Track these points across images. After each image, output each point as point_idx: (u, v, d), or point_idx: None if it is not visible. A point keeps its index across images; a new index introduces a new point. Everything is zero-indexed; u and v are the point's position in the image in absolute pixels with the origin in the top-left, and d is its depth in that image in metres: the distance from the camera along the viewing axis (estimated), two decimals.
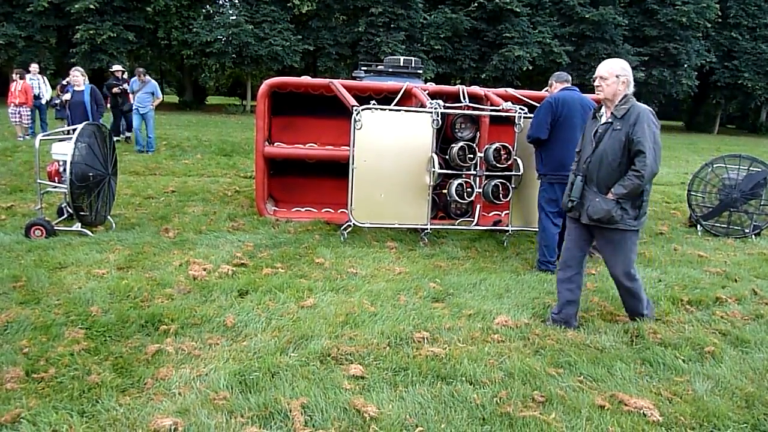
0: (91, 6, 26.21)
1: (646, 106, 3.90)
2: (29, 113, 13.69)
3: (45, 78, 14.91)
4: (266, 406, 2.95)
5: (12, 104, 13.43)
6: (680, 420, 3.06)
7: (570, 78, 5.99)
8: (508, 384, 3.33)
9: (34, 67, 14.50)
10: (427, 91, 6.98)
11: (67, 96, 9.52)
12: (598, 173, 3.99)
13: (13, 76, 13.85)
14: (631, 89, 3.95)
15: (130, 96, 13.12)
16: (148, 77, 13.04)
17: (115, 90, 13.26)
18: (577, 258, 4.25)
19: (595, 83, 4.00)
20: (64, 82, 11.68)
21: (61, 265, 4.95)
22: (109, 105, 13.25)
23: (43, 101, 14.26)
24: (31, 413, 2.81)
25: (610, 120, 3.96)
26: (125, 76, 14.03)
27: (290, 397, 3.03)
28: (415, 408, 3.04)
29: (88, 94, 9.17)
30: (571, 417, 3.03)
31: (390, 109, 6.20)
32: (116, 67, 14.21)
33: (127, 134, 13.98)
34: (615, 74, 3.89)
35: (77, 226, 5.90)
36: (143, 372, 3.24)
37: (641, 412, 3.08)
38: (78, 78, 9.18)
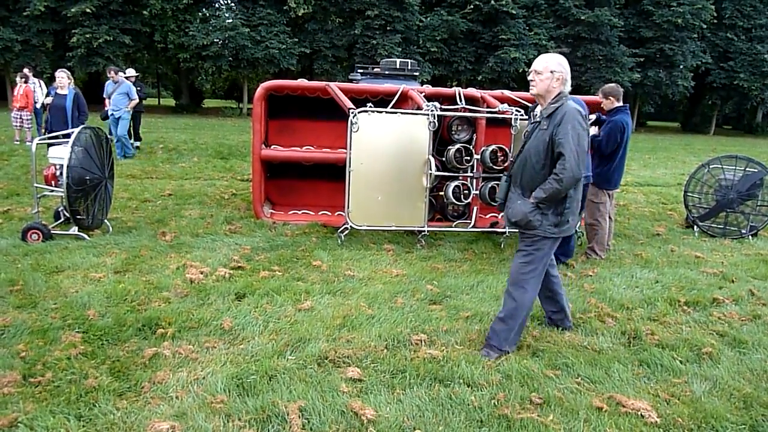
0: (88, 10, 26.20)
1: (575, 106, 3.59)
2: (29, 117, 13.50)
3: (41, 81, 14.80)
4: (264, 410, 2.94)
5: (14, 108, 13.39)
6: (678, 421, 3.06)
7: None
8: (505, 386, 3.33)
9: (26, 71, 14.15)
10: (423, 94, 6.99)
11: (48, 99, 9.41)
12: (521, 174, 3.74)
13: (17, 79, 13.77)
14: (567, 88, 3.67)
15: (106, 101, 12.16)
16: (120, 77, 12.18)
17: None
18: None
19: (529, 77, 3.70)
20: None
21: (58, 268, 4.94)
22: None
23: (38, 105, 13.80)
24: (27, 417, 2.80)
25: (538, 119, 3.72)
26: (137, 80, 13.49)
27: (288, 400, 3.03)
28: (413, 410, 3.04)
29: (71, 99, 8.97)
30: (568, 419, 3.03)
31: (386, 112, 6.21)
32: (129, 72, 13.52)
33: (137, 143, 13.41)
34: (550, 69, 3.61)
35: (74, 230, 5.89)
36: (140, 376, 3.23)
37: (639, 413, 3.08)
38: (63, 80, 8.97)
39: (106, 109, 12.13)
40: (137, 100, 12.22)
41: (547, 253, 3.74)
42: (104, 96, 12.29)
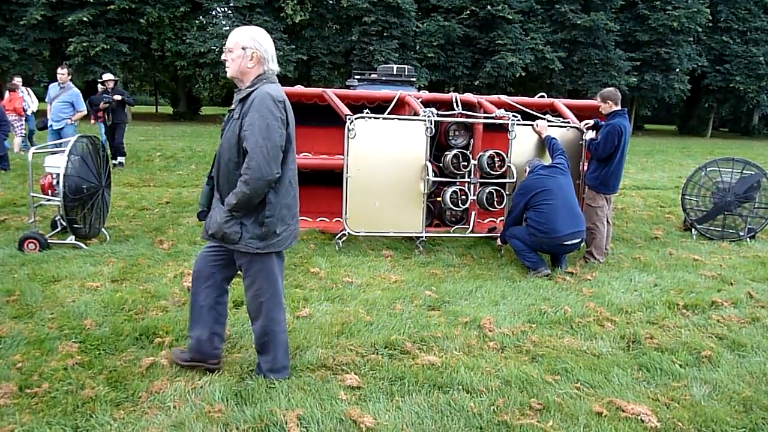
0: (85, 18, 26.22)
1: (268, 90, 2.97)
2: (21, 124, 13.36)
3: (29, 90, 14.57)
4: (262, 419, 2.92)
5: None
6: (678, 425, 3.05)
7: None
8: (505, 392, 3.32)
9: (17, 80, 13.66)
10: (420, 99, 6.99)
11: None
12: (218, 176, 3.15)
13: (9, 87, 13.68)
14: (270, 68, 3.08)
15: (48, 107, 10.12)
16: (69, 82, 10.06)
17: (102, 105, 11.53)
18: (205, 276, 3.29)
19: (223, 57, 3.11)
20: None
21: (55, 278, 4.92)
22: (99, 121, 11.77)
23: (29, 112, 13.44)
24: (24, 429, 2.78)
25: (233, 106, 3.12)
26: (117, 86, 12.12)
27: (286, 408, 3.01)
28: (412, 418, 3.02)
29: None
30: (568, 424, 3.02)
31: (383, 118, 6.21)
32: (106, 77, 12.12)
33: (120, 159, 11.87)
34: (241, 46, 3.01)
35: (71, 239, 5.88)
36: (138, 385, 3.21)
37: (639, 418, 3.07)
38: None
39: (45, 118, 10.22)
40: (84, 112, 10.25)
41: (270, 269, 3.17)
42: (46, 101, 10.25)
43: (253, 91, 2.99)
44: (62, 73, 9.88)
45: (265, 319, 3.25)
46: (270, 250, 3.10)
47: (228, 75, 3.08)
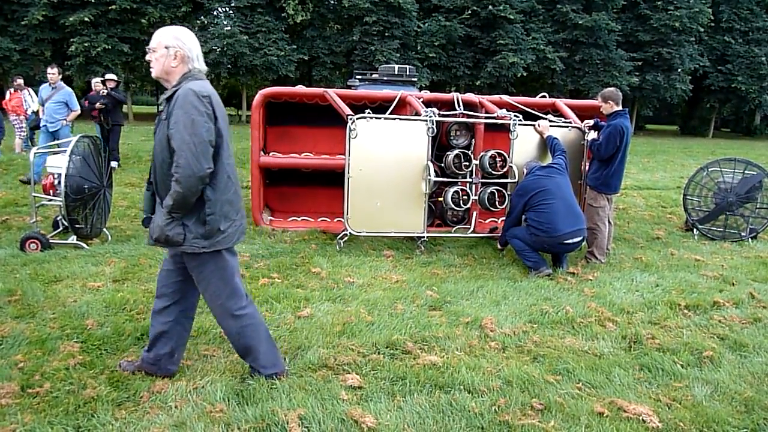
0: (86, 19, 26.30)
1: (199, 83, 2.96)
2: (21, 126, 13.31)
3: (30, 90, 14.57)
4: (263, 418, 2.92)
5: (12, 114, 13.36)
6: (680, 426, 3.04)
7: None
8: (506, 392, 3.31)
9: (20, 81, 13.71)
10: (421, 99, 6.99)
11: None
12: (155, 179, 3.08)
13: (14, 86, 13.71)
14: (195, 67, 3.04)
15: (40, 109, 9.81)
16: (60, 81, 9.60)
17: (98, 105, 11.22)
18: (169, 286, 3.25)
19: (147, 57, 3.08)
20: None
21: (57, 278, 4.93)
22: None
23: (29, 112, 13.07)
24: (26, 429, 2.78)
25: (161, 107, 3.08)
26: (113, 86, 11.68)
27: (287, 408, 3.01)
28: (413, 418, 3.02)
29: None
30: (570, 424, 3.02)
31: (385, 118, 6.21)
32: (109, 76, 11.87)
33: (114, 164, 10.98)
34: (164, 45, 2.98)
35: (72, 239, 5.88)
36: (139, 385, 3.21)
37: (640, 418, 3.07)
38: None
39: (39, 117, 9.80)
40: (78, 111, 9.69)
41: (222, 267, 3.12)
42: (38, 103, 9.99)
43: (177, 89, 2.95)
44: (52, 73, 9.47)
45: (228, 320, 3.20)
46: (217, 247, 3.04)
47: (153, 75, 3.06)
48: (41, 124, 9.44)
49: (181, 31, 3.05)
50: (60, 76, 9.58)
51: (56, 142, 7.85)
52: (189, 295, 3.30)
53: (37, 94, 11.50)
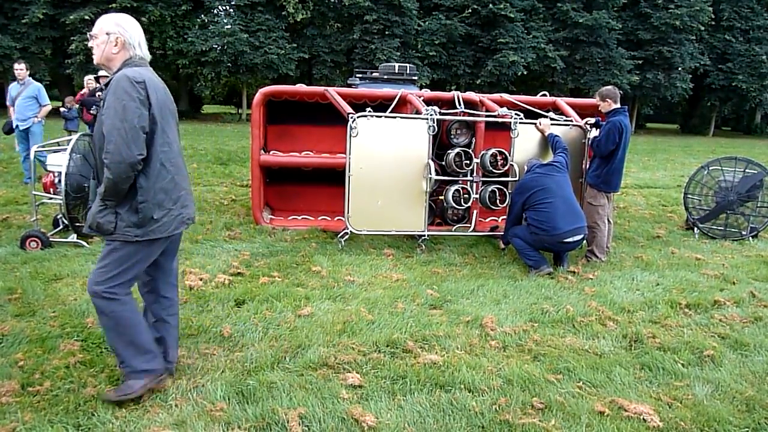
0: (86, 17, 26.24)
1: (136, 69, 2.90)
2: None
3: None
4: (263, 417, 2.92)
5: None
6: (680, 425, 3.04)
7: None
8: (507, 391, 3.31)
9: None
10: (422, 98, 6.99)
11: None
12: (96, 168, 3.04)
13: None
14: (137, 53, 3.00)
15: (10, 109, 9.24)
16: (28, 77, 9.08)
17: (93, 111, 9.87)
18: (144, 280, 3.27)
19: (89, 44, 3.06)
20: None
21: (57, 276, 4.93)
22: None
23: None
24: (26, 427, 2.78)
25: (103, 95, 3.01)
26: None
27: (288, 407, 3.01)
28: (414, 416, 3.02)
29: None
30: (570, 423, 3.02)
31: (386, 116, 6.20)
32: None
33: None
34: (105, 31, 2.96)
35: (73, 238, 5.88)
36: None
37: (641, 417, 3.07)
38: None
39: (10, 119, 9.20)
40: (49, 106, 9.22)
41: (132, 259, 2.96)
42: (8, 103, 9.33)
43: (114, 75, 2.90)
44: (20, 68, 8.99)
45: (107, 303, 2.97)
46: (151, 236, 2.95)
47: (95, 61, 3.03)
48: (13, 125, 8.99)
49: (123, 18, 3.05)
50: (28, 72, 9.17)
51: (53, 141, 7.82)
52: (165, 289, 3.32)
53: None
